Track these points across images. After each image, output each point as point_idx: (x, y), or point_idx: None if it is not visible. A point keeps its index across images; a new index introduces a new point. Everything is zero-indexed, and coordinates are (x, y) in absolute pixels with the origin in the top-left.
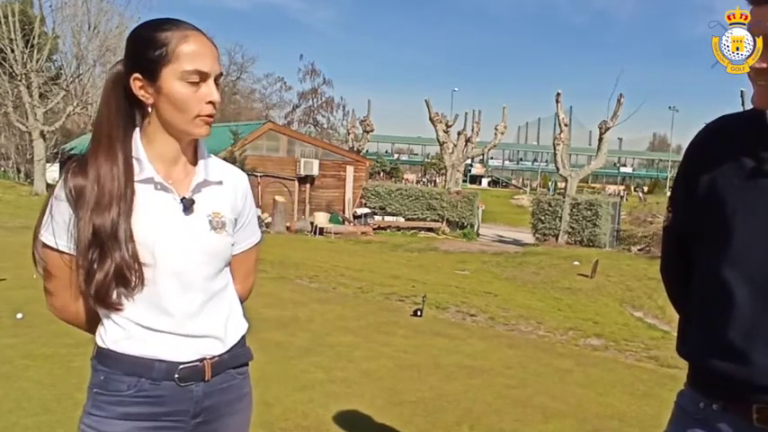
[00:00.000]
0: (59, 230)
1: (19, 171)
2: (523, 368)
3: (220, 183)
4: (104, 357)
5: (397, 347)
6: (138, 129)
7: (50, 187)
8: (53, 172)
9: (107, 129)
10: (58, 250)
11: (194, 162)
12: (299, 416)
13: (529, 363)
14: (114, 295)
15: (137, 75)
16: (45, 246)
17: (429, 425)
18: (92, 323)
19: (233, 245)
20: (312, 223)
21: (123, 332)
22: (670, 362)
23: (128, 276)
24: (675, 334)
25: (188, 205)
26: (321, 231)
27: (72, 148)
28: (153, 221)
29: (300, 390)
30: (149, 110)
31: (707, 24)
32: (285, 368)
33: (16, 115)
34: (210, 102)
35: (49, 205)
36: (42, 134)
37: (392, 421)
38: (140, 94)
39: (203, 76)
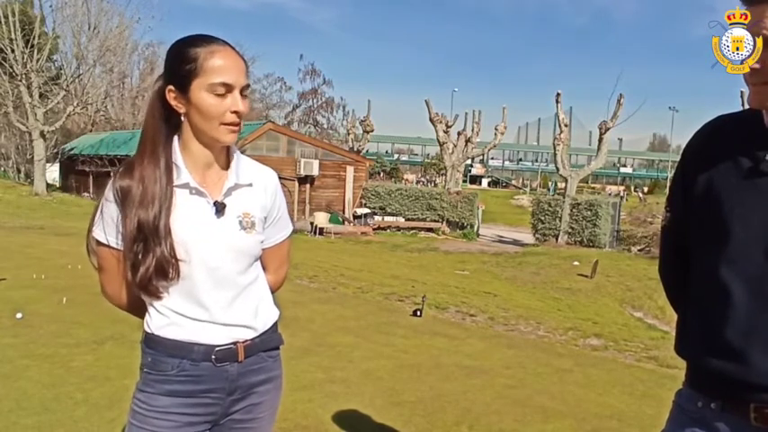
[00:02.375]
0: (109, 228)
1: (19, 171)
2: (523, 368)
3: (250, 185)
4: (151, 341)
5: (396, 347)
6: (177, 137)
7: (51, 187)
8: (53, 172)
9: (151, 135)
10: (107, 245)
11: (227, 166)
12: (299, 416)
13: (528, 363)
14: (155, 285)
15: (170, 86)
16: (97, 242)
17: (428, 425)
18: (137, 309)
19: (264, 240)
20: (312, 223)
21: (166, 320)
22: (669, 362)
23: (167, 269)
24: (674, 333)
25: (220, 208)
26: (321, 231)
27: (72, 148)
28: (189, 223)
29: (300, 390)
30: (183, 119)
31: (707, 24)
32: (285, 368)
33: (16, 115)
34: (235, 111)
35: (100, 206)
36: (42, 134)
37: (391, 421)
38: (174, 103)
39: (228, 88)
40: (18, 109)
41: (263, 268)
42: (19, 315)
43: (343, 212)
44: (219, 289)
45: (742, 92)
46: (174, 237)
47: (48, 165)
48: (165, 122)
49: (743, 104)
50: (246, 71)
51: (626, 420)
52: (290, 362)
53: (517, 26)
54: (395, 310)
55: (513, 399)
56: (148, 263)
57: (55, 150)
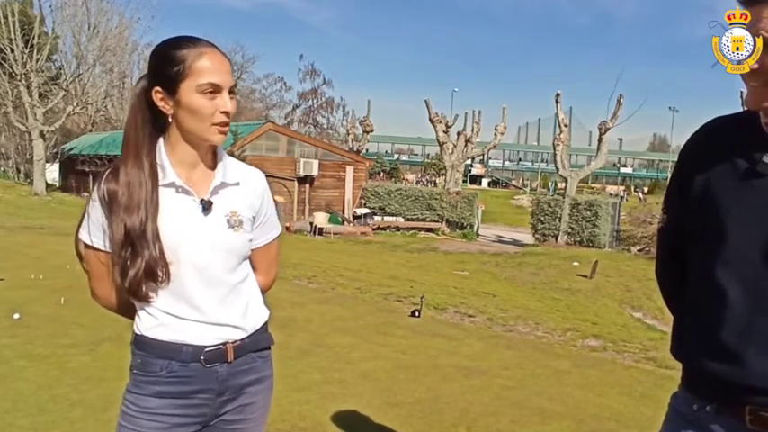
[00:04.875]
0: (95, 230)
1: (19, 171)
2: (521, 369)
3: (237, 184)
4: (140, 343)
5: (394, 348)
6: (162, 138)
7: (50, 187)
8: (53, 172)
9: (134, 139)
10: (93, 247)
11: (213, 166)
12: (296, 417)
13: (527, 364)
14: (144, 289)
15: (158, 88)
16: (84, 244)
17: (426, 426)
18: (127, 310)
19: (252, 240)
20: (311, 223)
21: (155, 321)
22: (668, 363)
23: (156, 272)
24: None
25: (207, 206)
26: (320, 232)
27: (72, 148)
28: (176, 222)
29: (298, 391)
30: (170, 120)
31: (707, 24)
32: (282, 369)
33: (16, 115)
34: (224, 111)
35: (87, 207)
36: (42, 134)
37: (389, 422)
38: (161, 105)
39: (217, 89)
40: (18, 109)
41: (253, 269)
42: (16, 315)
43: (343, 213)
44: (209, 288)
45: (742, 92)
46: (162, 238)
47: (47, 165)
48: (150, 124)
49: (743, 105)
50: (232, 71)
51: (624, 421)
52: (287, 362)
53: (517, 26)
54: (393, 311)
55: (512, 400)
56: (138, 266)
57: (54, 150)
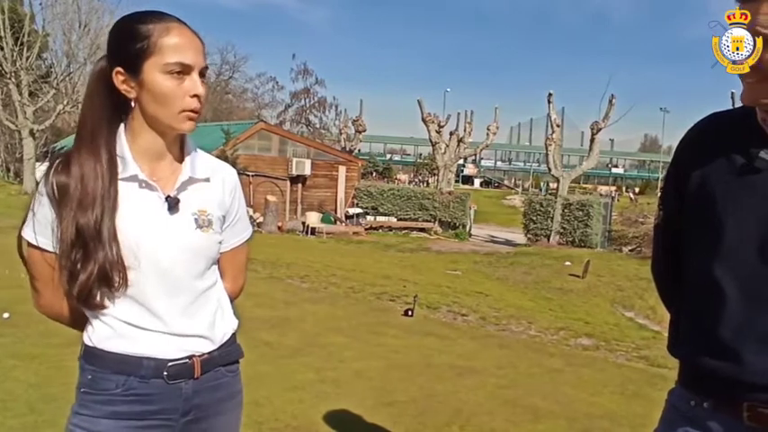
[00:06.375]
0: (41, 228)
1: (8, 170)
2: (514, 368)
3: (207, 180)
4: (92, 356)
5: (387, 347)
6: (123, 125)
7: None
8: (43, 171)
9: (90, 125)
10: (38, 248)
11: (181, 158)
12: (289, 416)
13: (520, 363)
14: (98, 296)
15: (119, 68)
16: (28, 243)
17: (419, 425)
18: (78, 321)
19: (221, 242)
20: (304, 223)
21: (111, 330)
22: (660, 362)
23: (111, 277)
24: (666, 334)
25: (173, 204)
26: (313, 231)
27: (62, 147)
28: (137, 221)
29: (291, 390)
30: (132, 104)
31: (706, 25)
32: (275, 368)
33: (6, 114)
34: (195, 95)
35: (33, 201)
36: (32, 133)
37: (382, 421)
38: (123, 88)
39: (186, 69)
40: (7, 107)
41: (220, 275)
42: (6, 315)
43: (336, 212)
44: (173, 295)
45: (732, 93)
46: (121, 238)
47: (37, 164)
48: (109, 110)
49: (733, 105)
50: (204, 51)
51: (617, 420)
52: (280, 362)
53: (510, 27)
54: (386, 310)
55: (505, 399)
56: (90, 269)
57: (45, 149)
